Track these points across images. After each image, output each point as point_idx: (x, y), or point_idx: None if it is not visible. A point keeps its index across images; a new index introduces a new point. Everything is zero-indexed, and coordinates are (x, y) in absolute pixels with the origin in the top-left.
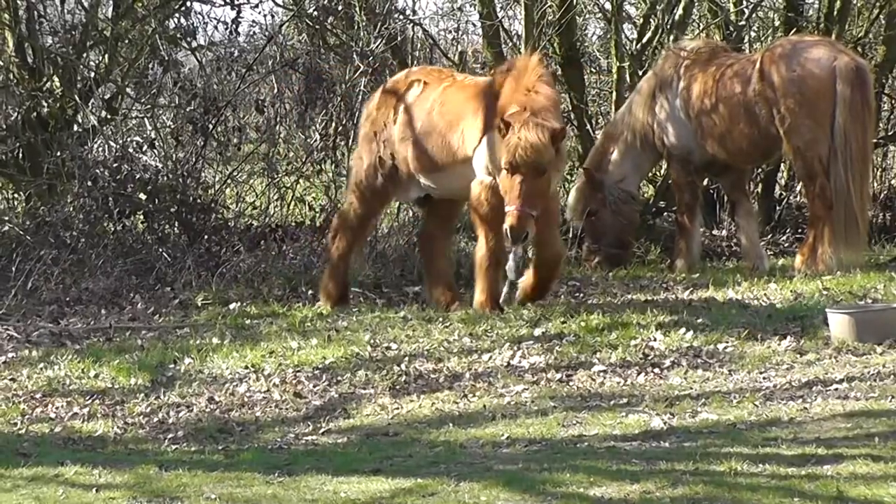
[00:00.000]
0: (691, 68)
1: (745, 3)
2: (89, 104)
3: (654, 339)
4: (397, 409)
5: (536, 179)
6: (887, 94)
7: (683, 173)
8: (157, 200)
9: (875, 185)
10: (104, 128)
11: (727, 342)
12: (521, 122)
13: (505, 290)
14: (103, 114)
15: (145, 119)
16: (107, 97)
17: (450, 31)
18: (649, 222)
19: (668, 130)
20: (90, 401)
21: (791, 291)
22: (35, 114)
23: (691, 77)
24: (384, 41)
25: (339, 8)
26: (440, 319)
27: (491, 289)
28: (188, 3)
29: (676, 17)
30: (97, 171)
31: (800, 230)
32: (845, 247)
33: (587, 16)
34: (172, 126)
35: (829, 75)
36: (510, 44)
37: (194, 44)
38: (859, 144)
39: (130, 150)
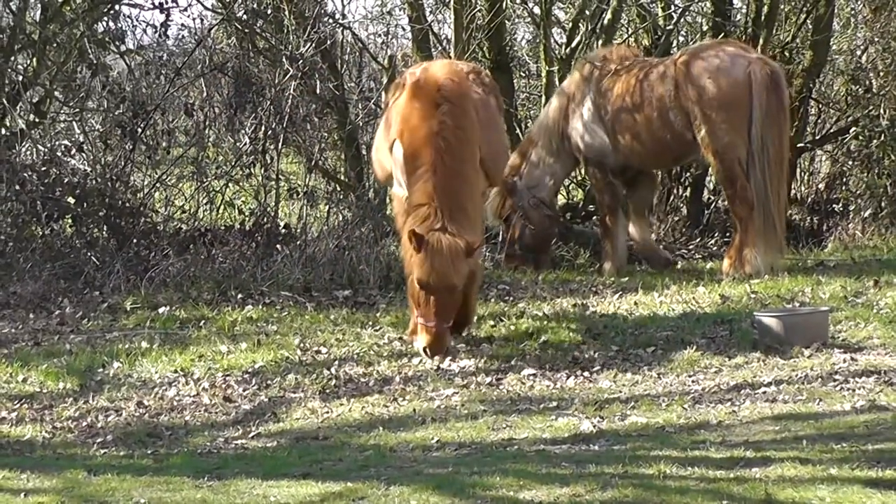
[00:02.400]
0: (604, 76)
1: (672, 7)
2: (17, 108)
3: (584, 343)
4: (327, 412)
5: (452, 295)
6: (814, 98)
7: (601, 176)
8: (85, 204)
9: (803, 188)
10: (32, 131)
11: (656, 346)
12: (434, 242)
13: None
14: (31, 117)
15: (74, 123)
16: (35, 101)
17: (379, 35)
18: (578, 226)
19: (583, 136)
20: (18, 405)
21: (719, 295)
22: None
23: (605, 84)
24: (314, 45)
25: (269, 12)
26: (370, 323)
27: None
28: (117, 7)
29: (605, 21)
30: (25, 174)
31: (727, 234)
32: (765, 250)
33: (516, 20)
34: (101, 130)
35: (744, 80)
36: (440, 48)
37: (123, 47)
38: (776, 148)
39: (59, 153)
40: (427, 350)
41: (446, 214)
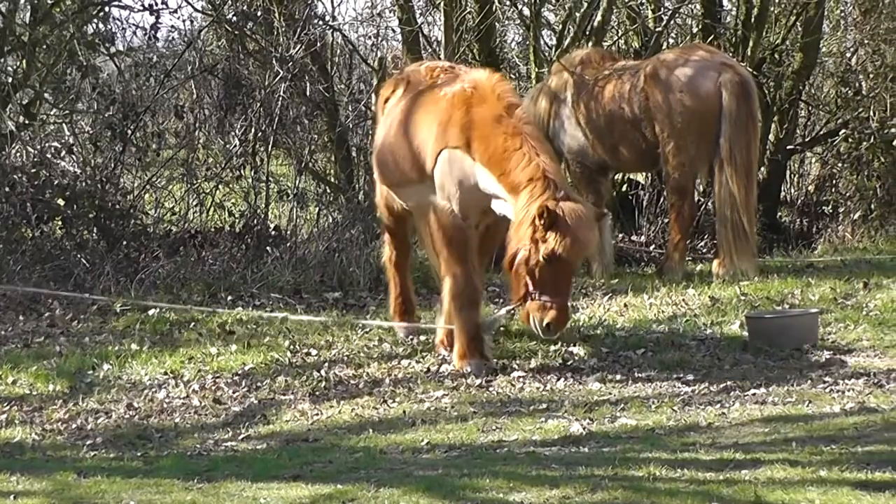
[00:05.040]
0: (581, 80)
1: (663, 9)
2: (7, 109)
3: (574, 345)
4: (317, 414)
5: (578, 266)
6: (804, 100)
7: (583, 175)
8: (75, 206)
9: (793, 190)
10: (22, 133)
11: (645, 348)
12: (569, 211)
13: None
14: (21, 119)
15: (64, 125)
16: (25, 102)
17: (369, 37)
18: None
19: (562, 138)
20: (8, 407)
21: (709, 297)
22: None
23: (581, 89)
24: (303, 47)
25: (259, 13)
26: (360, 325)
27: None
28: (107, 9)
29: (595, 23)
30: (15, 176)
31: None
32: (737, 256)
33: (506, 22)
34: (91, 132)
35: (714, 91)
36: (430, 49)
37: (113, 49)
38: (744, 156)
39: (49, 155)
40: (551, 327)
41: (560, 187)
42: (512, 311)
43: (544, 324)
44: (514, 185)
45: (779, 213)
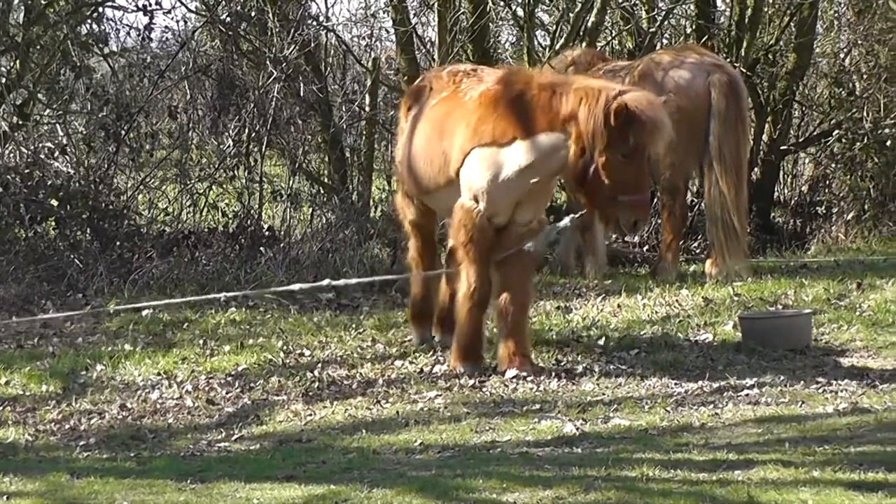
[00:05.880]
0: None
1: (656, 10)
2: (0, 110)
3: (567, 346)
4: (310, 415)
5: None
6: (798, 101)
7: None
8: (68, 206)
9: (786, 191)
10: (15, 133)
11: (639, 348)
12: (635, 101)
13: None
14: (15, 119)
15: (57, 125)
16: (18, 103)
17: (363, 38)
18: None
19: None
20: (1, 408)
21: (702, 298)
22: None
23: None
24: (297, 47)
25: (253, 14)
26: (353, 326)
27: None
28: (100, 9)
29: (589, 23)
30: (8, 177)
31: None
32: (728, 255)
33: (500, 22)
34: (84, 132)
35: (704, 92)
36: (424, 50)
37: (106, 50)
38: (733, 156)
39: (42, 156)
40: (638, 224)
41: (612, 87)
42: (577, 218)
43: (632, 222)
44: (568, 115)
45: (772, 214)
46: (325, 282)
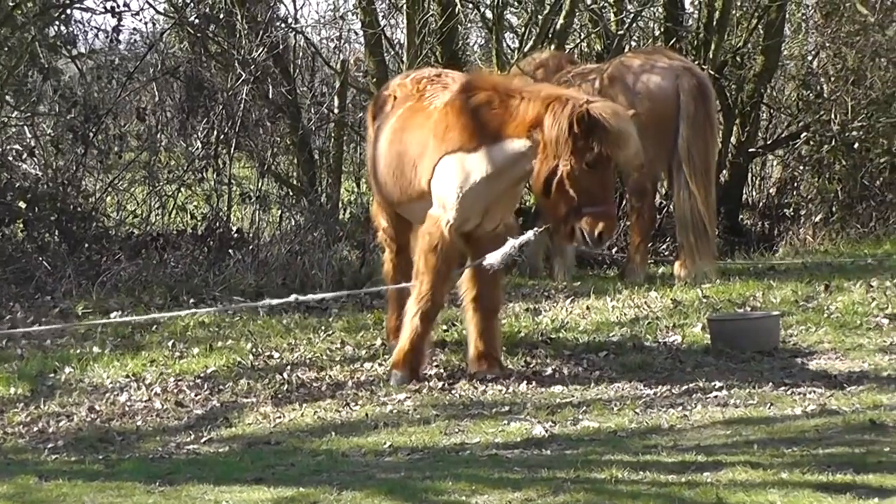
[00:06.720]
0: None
1: (625, 13)
2: None
3: (536, 348)
4: (279, 417)
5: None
6: (766, 103)
7: None
8: (36, 209)
9: (754, 193)
10: None
11: (608, 350)
12: (600, 110)
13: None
14: None
15: (25, 127)
16: None
17: (332, 40)
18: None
19: None
20: None
21: (671, 300)
22: None
23: None
24: (266, 49)
25: (221, 16)
26: (322, 328)
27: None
28: (68, 11)
29: (557, 26)
30: None
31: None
32: (698, 256)
33: (469, 25)
34: (52, 134)
35: (672, 95)
36: (392, 52)
37: (74, 51)
38: (702, 159)
39: (10, 158)
40: (603, 236)
41: (577, 95)
42: (540, 232)
43: (596, 234)
44: (533, 122)
45: (740, 216)
46: (292, 297)
